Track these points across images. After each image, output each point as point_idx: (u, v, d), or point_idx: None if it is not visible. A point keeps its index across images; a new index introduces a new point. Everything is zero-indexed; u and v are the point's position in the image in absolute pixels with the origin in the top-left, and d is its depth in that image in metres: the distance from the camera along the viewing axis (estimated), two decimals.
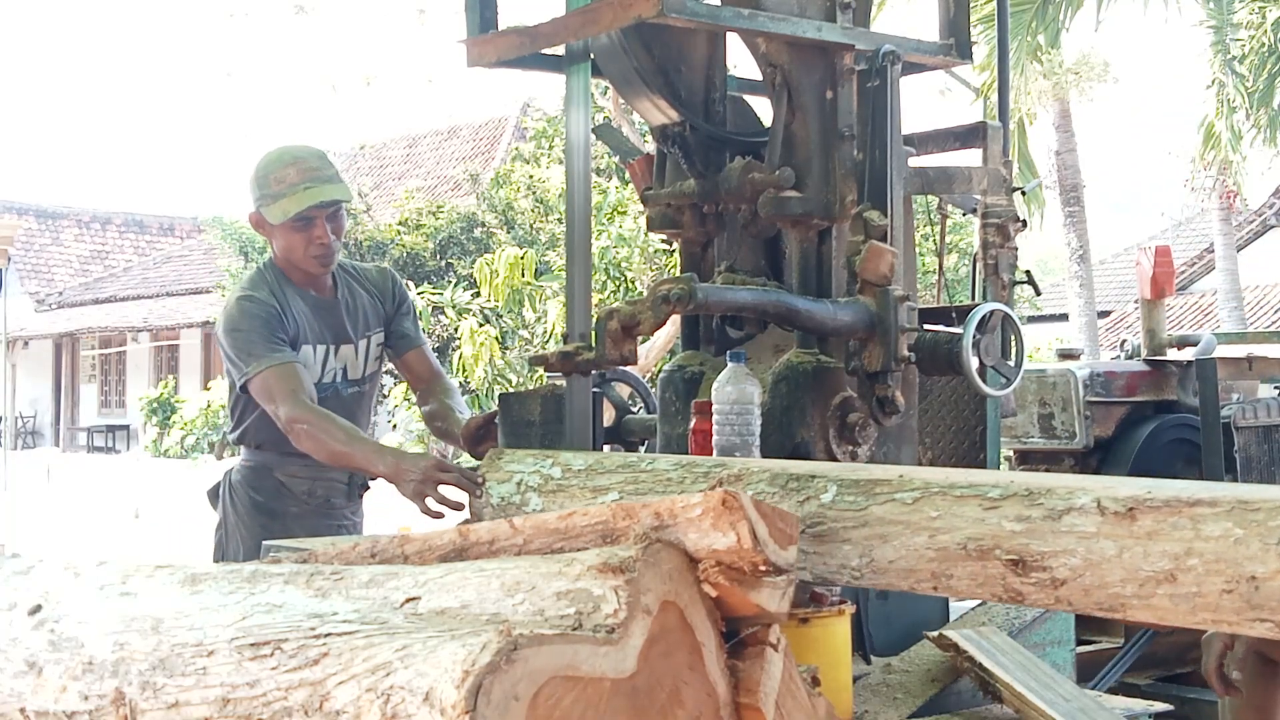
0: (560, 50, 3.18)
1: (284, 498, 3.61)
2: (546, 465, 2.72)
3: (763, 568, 1.73)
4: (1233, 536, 1.59)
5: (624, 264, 11.65)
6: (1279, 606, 1.54)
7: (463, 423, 3.46)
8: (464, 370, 12.64)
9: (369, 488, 3.73)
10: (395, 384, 16.29)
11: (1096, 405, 5.19)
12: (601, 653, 1.58)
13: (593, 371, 3.02)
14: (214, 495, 3.73)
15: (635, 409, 3.60)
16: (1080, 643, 3.48)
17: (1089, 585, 1.71)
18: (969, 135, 3.18)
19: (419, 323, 3.67)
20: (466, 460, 3.45)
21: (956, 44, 3.22)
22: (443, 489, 3.02)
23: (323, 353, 3.47)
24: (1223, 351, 5.45)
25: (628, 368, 3.14)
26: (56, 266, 34.49)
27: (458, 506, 3.02)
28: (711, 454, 2.76)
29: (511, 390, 9.62)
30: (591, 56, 3.16)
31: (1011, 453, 5.44)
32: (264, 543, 3.10)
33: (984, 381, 2.83)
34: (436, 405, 3.59)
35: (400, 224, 18.37)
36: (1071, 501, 1.76)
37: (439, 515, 3.03)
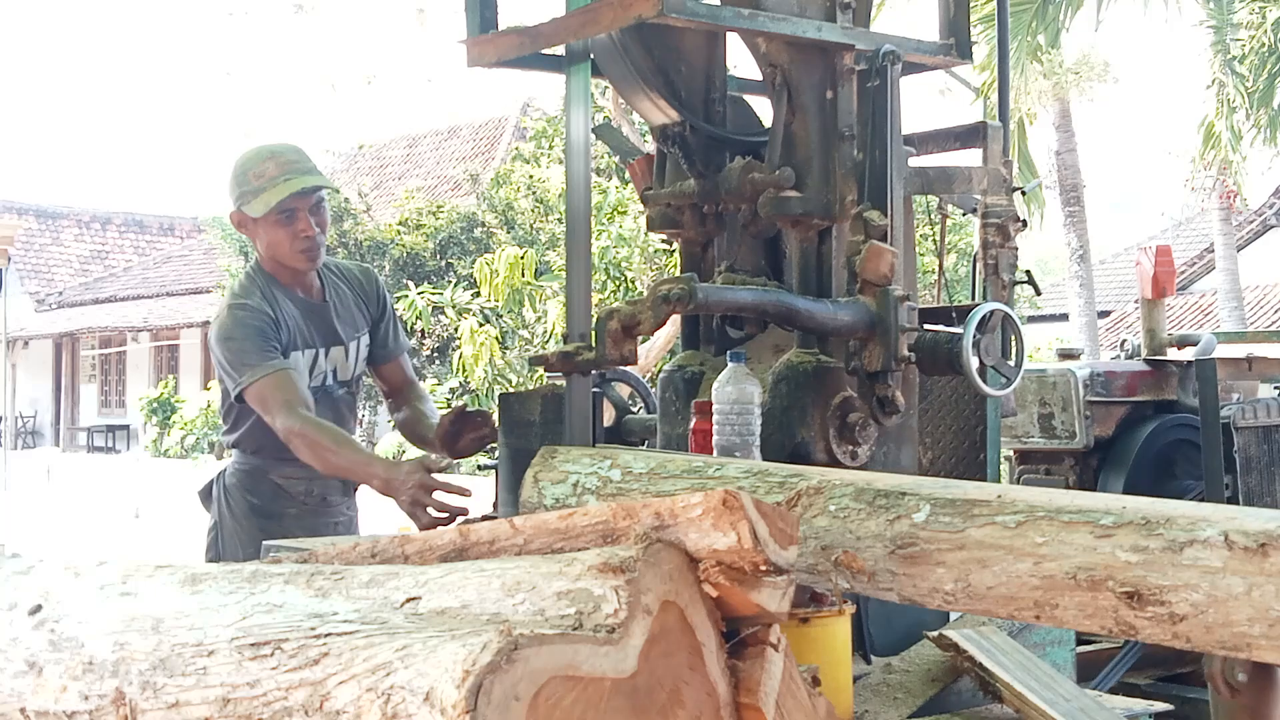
0: (560, 50, 3.18)
1: (281, 500, 3.59)
2: (605, 467, 2.57)
3: (763, 568, 1.73)
4: None
5: (624, 264, 11.65)
6: None
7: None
8: (464, 370, 12.64)
9: None
10: None
11: (1096, 405, 5.19)
12: (602, 652, 1.58)
13: (593, 371, 3.02)
14: (206, 496, 3.71)
15: (635, 409, 3.60)
16: (1080, 643, 3.48)
17: (1212, 623, 1.64)
18: (969, 135, 3.18)
19: (399, 327, 3.67)
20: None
21: (956, 44, 3.22)
22: (439, 495, 3.04)
23: (311, 356, 3.47)
24: (1223, 351, 5.44)
25: (628, 368, 3.14)
26: (56, 266, 34.49)
27: (461, 512, 3.01)
28: (712, 454, 2.76)
29: (511, 390, 9.62)
30: (591, 56, 3.16)
31: (1012, 453, 5.44)
32: (264, 543, 3.11)
33: (984, 381, 2.83)
34: (410, 412, 3.58)
35: (400, 224, 18.38)
36: (1194, 534, 1.67)
37: (434, 524, 3.02)
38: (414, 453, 3.51)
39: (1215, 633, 1.65)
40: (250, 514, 3.57)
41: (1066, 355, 5.78)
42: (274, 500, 3.58)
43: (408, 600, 1.80)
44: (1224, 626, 1.64)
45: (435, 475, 3.03)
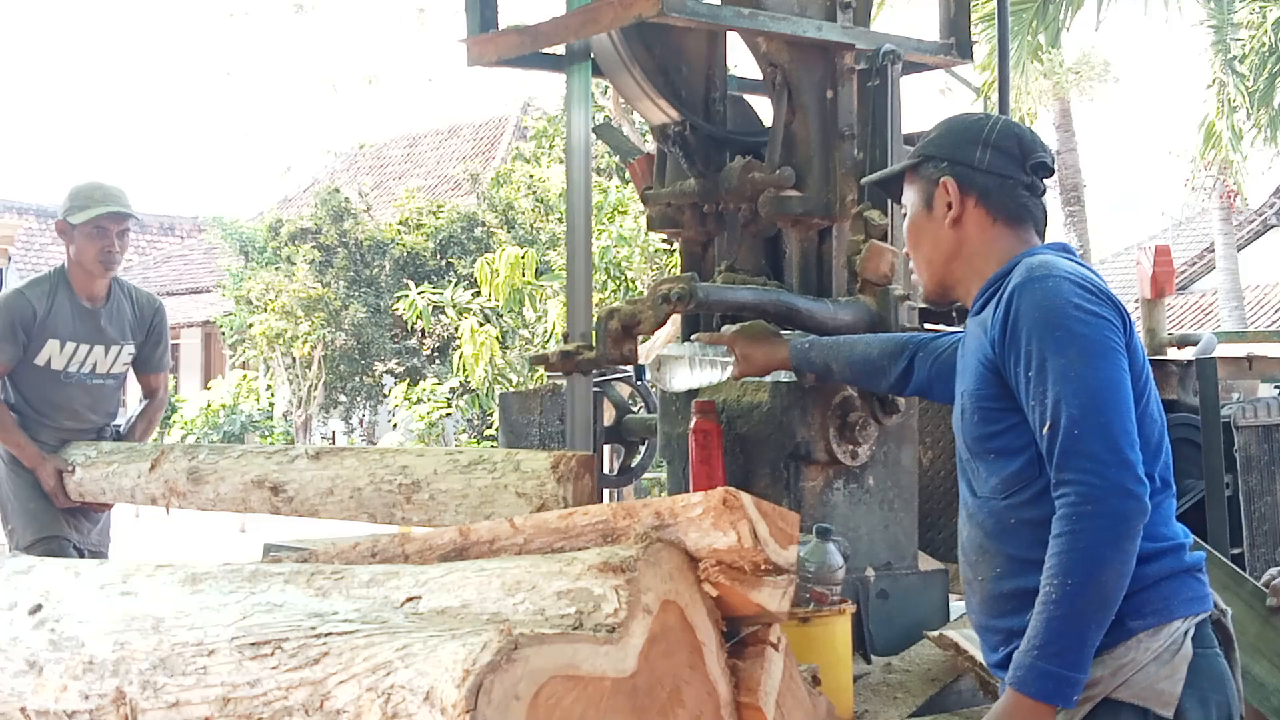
0: (560, 50, 3.18)
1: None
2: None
3: (763, 567, 1.73)
4: None
5: (624, 263, 11.64)
6: None
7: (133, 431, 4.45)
8: (464, 370, 12.63)
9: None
10: (395, 383, 16.29)
11: None
12: (602, 652, 1.58)
13: (593, 371, 3.02)
14: None
15: (635, 409, 3.60)
16: None
17: (305, 498, 3.34)
18: None
19: (166, 353, 4.51)
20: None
21: (957, 43, 3.22)
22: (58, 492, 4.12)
23: (72, 348, 4.19)
24: (1223, 351, 5.43)
25: (628, 367, 3.14)
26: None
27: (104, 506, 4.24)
28: (711, 453, 2.76)
29: (511, 390, 9.61)
30: (592, 56, 3.16)
31: None
32: (265, 543, 3.14)
33: None
34: (139, 414, 4.47)
35: (401, 224, 18.35)
36: (297, 452, 3.47)
37: (68, 505, 4.13)
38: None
39: (318, 504, 3.26)
40: (13, 464, 4.23)
41: None
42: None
43: (408, 600, 1.80)
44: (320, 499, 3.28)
45: (61, 474, 4.09)
